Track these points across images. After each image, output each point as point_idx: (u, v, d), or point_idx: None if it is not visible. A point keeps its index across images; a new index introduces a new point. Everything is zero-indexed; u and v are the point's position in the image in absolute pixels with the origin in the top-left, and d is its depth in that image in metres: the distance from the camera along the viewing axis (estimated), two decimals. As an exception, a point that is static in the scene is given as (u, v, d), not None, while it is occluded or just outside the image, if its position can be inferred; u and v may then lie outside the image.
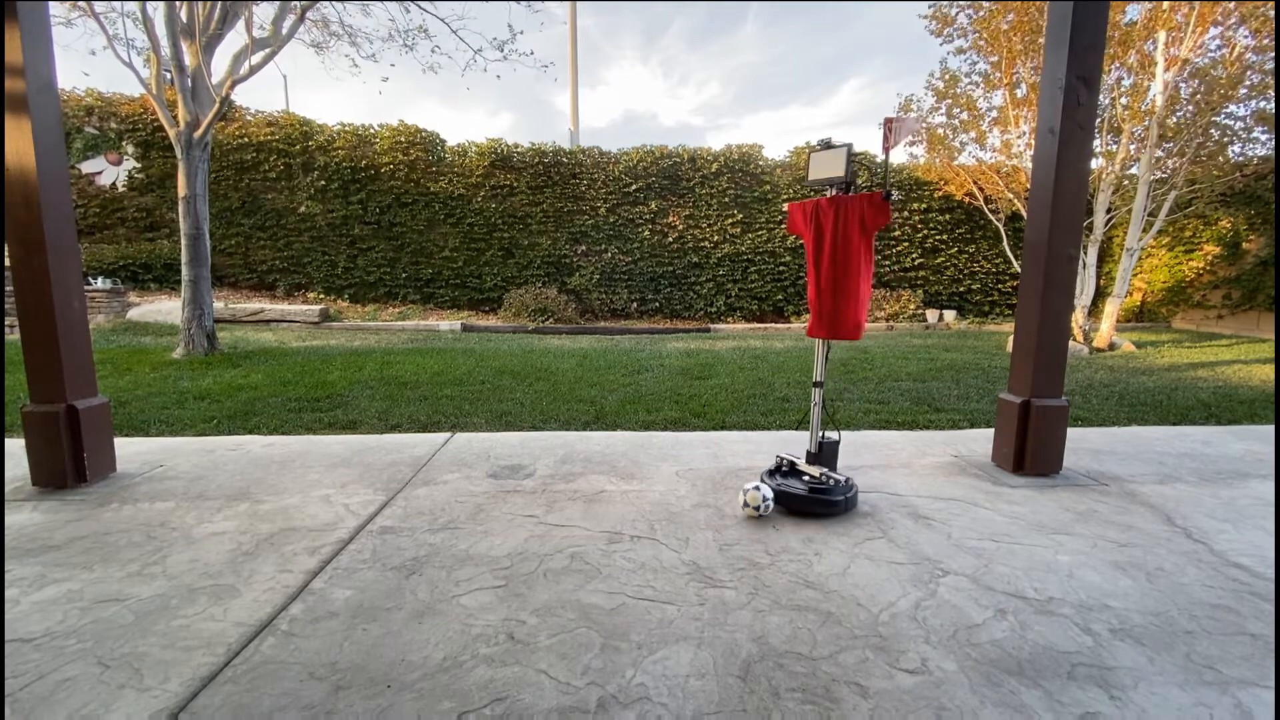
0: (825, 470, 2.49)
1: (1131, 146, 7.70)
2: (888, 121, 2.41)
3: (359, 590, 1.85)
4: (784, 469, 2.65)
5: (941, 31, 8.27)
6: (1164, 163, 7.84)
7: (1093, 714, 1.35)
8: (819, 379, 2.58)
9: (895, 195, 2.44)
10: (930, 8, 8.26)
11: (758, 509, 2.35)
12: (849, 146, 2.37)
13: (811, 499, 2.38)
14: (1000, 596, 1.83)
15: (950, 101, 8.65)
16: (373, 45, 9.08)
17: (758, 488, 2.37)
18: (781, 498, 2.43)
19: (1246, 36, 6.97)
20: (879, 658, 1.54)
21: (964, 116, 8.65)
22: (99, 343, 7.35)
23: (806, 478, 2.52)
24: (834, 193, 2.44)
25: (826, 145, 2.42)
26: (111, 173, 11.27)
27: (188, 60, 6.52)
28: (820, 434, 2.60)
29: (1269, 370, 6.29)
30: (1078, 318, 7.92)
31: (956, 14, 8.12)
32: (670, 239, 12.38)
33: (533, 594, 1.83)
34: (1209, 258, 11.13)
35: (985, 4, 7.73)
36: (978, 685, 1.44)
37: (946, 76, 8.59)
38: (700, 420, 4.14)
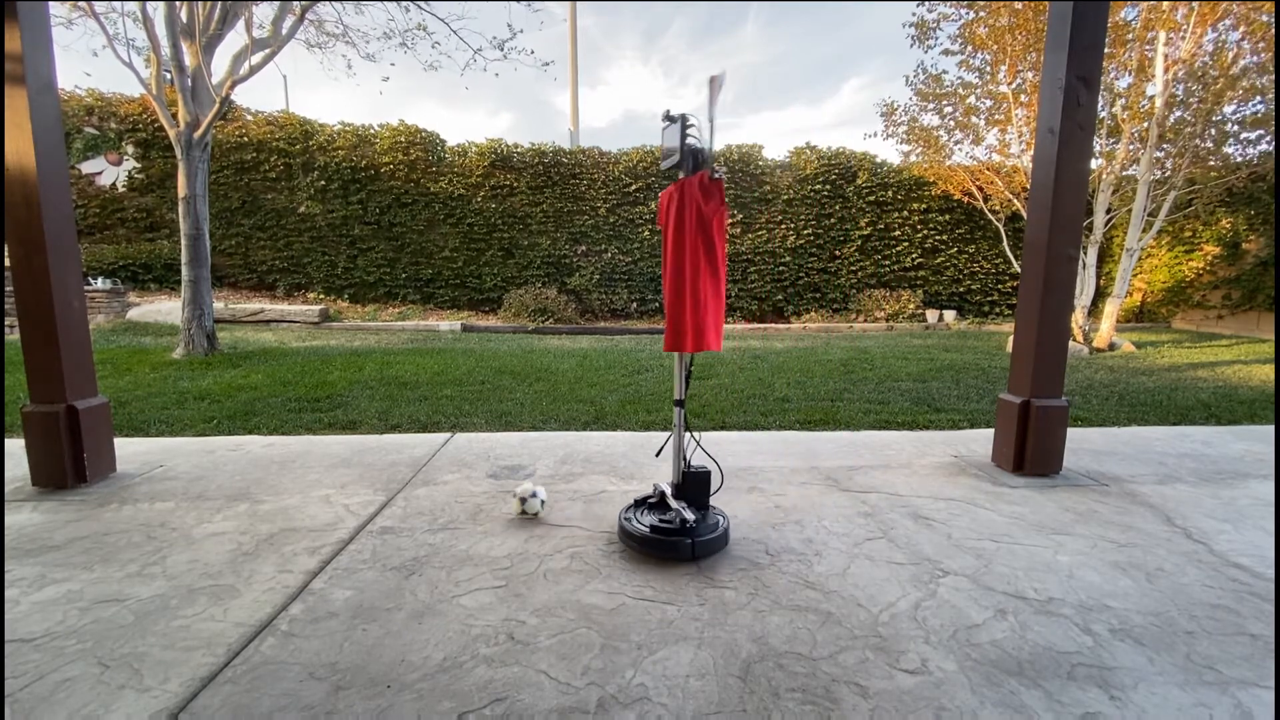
0: (680, 508, 2.13)
1: (1131, 147, 7.70)
2: (713, 80, 1.97)
3: (359, 590, 1.85)
4: (652, 500, 2.29)
5: (924, 38, 8.27)
6: (1162, 163, 7.84)
7: (1093, 714, 1.35)
8: (679, 397, 2.20)
9: (721, 172, 2.24)
10: (915, 13, 8.25)
11: (526, 512, 2.36)
12: (684, 118, 1.99)
13: (652, 540, 2.06)
14: (1000, 597, 1.83)
15: (938, 101, 8.65)
16: (370, 44, 9.10)
17: (534, 494, 2.37)
18: (627, 534, 2.14)
19: (1242, 39, 6.97)
20: (879, 658, 1.54)
21: (958, 114, 8.64)
22: (99, 343, 7.35)
23: (670, 513, 2.17)
24: (682, 176, 2.06)
25: (668, 118, 2.03)
26: (111, 173, 11.27)
27: (188, 60, 6.52)
28: (686, 463, 2.20)
29: (1269, 370, 6.29)
30: (1078, 318, 7.92)
31: (947, 13, 8.12)
32: (670, 239, 12.36)
33: (532, 594, 1.83)
34: (1209, 258, 11.14)
35: (983, 2, 7.73)
36: (978, 685, 1.44)
37: (932, 79, 8.61)
38: (700, 420, 4.14)
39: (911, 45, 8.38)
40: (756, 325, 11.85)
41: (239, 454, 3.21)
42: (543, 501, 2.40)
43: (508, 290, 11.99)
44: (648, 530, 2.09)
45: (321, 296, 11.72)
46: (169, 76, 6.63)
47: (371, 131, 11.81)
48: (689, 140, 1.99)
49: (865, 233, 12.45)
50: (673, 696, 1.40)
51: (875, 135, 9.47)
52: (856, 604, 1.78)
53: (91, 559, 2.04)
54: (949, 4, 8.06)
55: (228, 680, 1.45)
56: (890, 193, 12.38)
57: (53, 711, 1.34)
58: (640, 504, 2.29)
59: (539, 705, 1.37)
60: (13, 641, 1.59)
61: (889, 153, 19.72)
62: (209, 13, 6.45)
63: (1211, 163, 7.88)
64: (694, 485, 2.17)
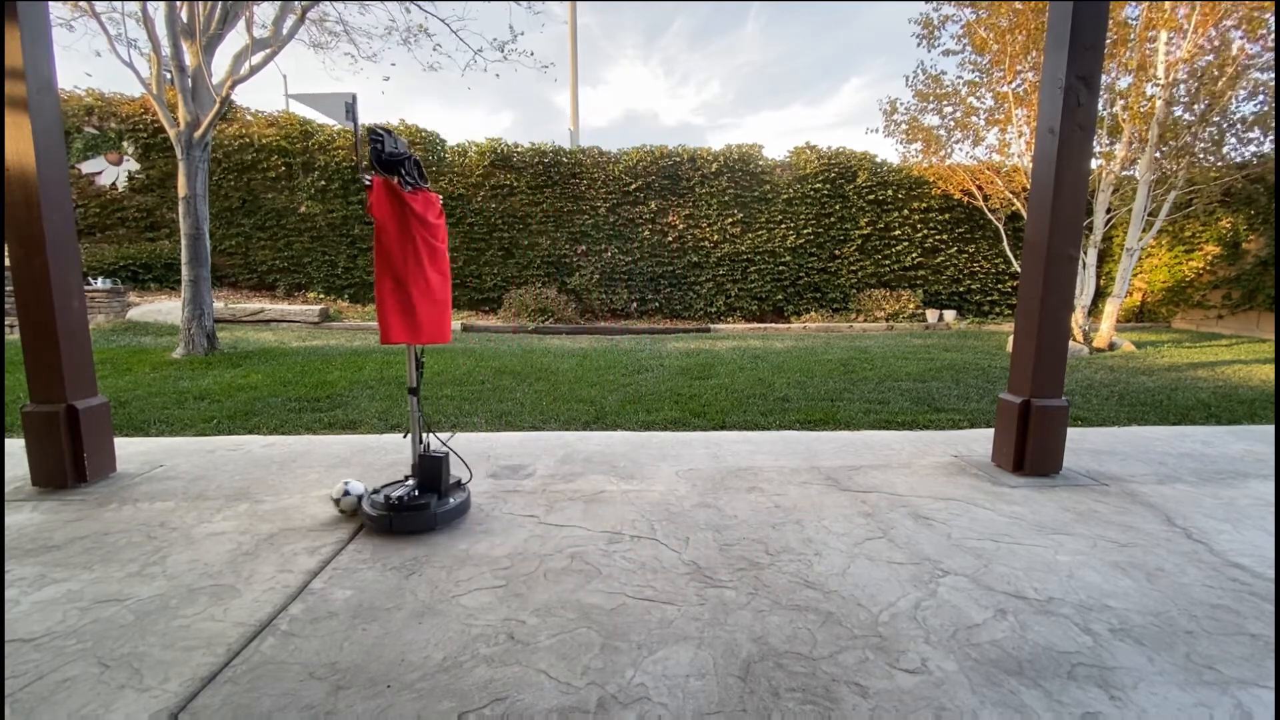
0: (398, 485, 2.33)
1: (1131, 147, 7.69)
2: (348, 102, 2.17)
3: (359, 590, 1.85)
4: (409, 478, 2.47)
5: (930, 37, 8.27)
6: (1160, 164, 7.83)
7: (1093, 714, 1.35)
8: (411, 385, 2.36)
9: (367, 180, 2.16)
10: (921, 14, 8.26)
11: (344, 509, 2.35)
12: (372, 129, 2.14)
13: (369, 515, 2.26)
14: (1000, 596, 1.83)
15: (938, 101, 8.64)
16: (371, 44, 9.10)
17: (345, 490, 2.36)
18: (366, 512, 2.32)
19: (1240, 37, 6.96)
20: (879, 658, 1.54)
21: (958, 115, 8.64)
22: (99, 343, 7.34)
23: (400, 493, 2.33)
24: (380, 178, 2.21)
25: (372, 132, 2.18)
26: (111, 173, 11.27)
27: (188, 60, 6.52)
28: (424, 445, 2.36)
29: (1269, 370, 6.29)
30: (1078, 318, 7.91)
31: (951, 14, 8.12)
32: (670, 239, 12.38)
33: (532, 594, 1.83)
34: (1209, 258, 11.13)
35: (984, 2, 7.73)
36: (978, 685, 1.44)
37: (931, 80, 8.61)
38: (700, 420, 4.14)
39: (918, 44, 8.39)
40: (756, 325, 11.84)
41: (239, 453, 3.21)
42: (360, 498, 2.36)
43: (508, 290, 11.99)
44: (368, 501, 2.30)
45: (321, 296, 11.72)
46: (169, 76, 6.62)
47: (371, 131, 11.80)
48: (388, 148, 2.13)
49: (865, 232, 12.44)
50: (673, 696, 1.40)
51: (876, 131, 9.49)
52: (856, 604, 1.78)
53: (91, 559, 2.04)
54: (952, 4, 8.06)
55: (228, 680, 1.45)
56: (890, 192, 12.38)
57: (53, 711, 1.34)
58: (388, 486, 2.43)
59: (539, 705, 1.37)
60: (13, 641, 1.59)
61: (889, 152, 19.74)
62: (209, 13, 6.44)
63: (1198, 153, 7.85)
64: (428, 470, 2.33)
